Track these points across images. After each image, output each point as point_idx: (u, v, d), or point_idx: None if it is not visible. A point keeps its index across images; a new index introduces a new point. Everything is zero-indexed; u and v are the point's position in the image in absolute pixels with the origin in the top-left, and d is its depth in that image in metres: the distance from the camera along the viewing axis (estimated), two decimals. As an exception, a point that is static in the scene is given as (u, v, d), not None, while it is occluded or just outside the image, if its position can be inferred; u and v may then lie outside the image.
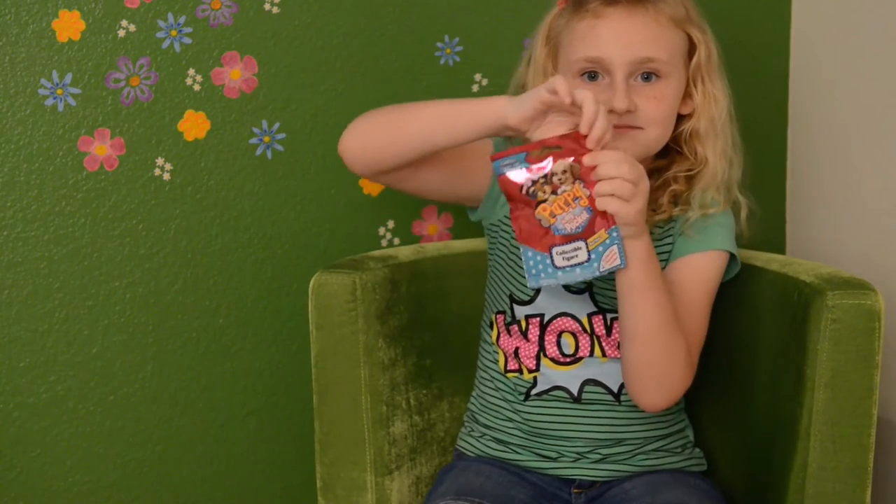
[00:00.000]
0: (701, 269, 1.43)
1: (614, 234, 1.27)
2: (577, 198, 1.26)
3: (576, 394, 1.48)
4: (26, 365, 1.70)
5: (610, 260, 1.27)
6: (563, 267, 1.27)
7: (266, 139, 1.73)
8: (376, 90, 1.75)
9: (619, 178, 1.25)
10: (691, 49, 1.45)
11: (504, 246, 1.52)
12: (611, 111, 1.37)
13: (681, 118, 1.46)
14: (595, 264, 1.27)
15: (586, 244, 1.27)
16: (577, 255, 1.27)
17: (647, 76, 1.41)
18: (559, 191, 1.26)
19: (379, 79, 1.75)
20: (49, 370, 1.71)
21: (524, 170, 1.26)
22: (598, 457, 1.48)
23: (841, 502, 1.36)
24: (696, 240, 1.44)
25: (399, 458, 1.56)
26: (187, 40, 1.69)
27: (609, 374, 1.48)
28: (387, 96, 1.75)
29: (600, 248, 1.27)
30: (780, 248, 1.90)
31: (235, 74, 1.71)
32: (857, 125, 1.71)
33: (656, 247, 1.39)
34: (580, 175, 1.25)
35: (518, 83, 1.51)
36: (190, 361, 1.75)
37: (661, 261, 1.40)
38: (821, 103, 1.80)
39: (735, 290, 1.51)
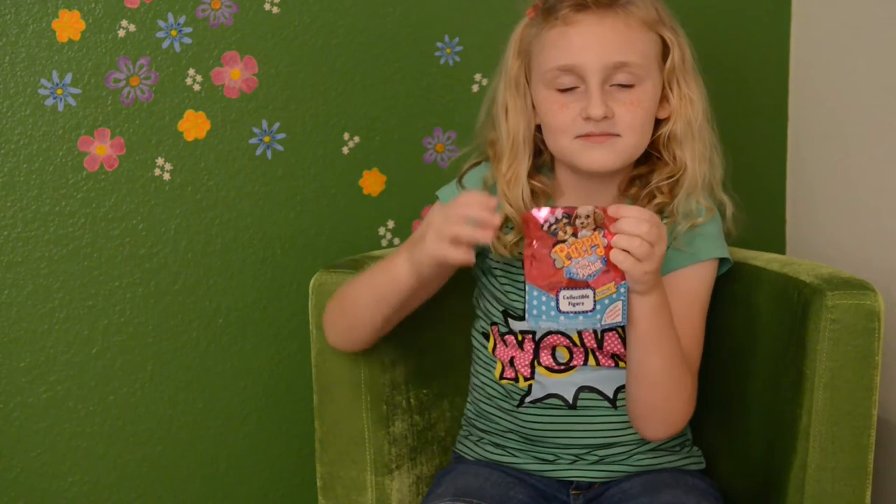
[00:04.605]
0: (693, 282, 1.42)
1: (621, 290, 1.26)
2: (594, 245, 1.25)
3: (571, 401, 1.48)
4: (26, 365, 1.70)
5: (612, 315, 1.27)
6: (567, 312, 1.26)
7: (266, 139, 1.73)
8: (376, 90, 1.75)
9: (637, 236, 1.24)
10: (665, 51, 1.42)
11: (491, 264, 1.51)
12: (587, 119, 1.37)
13: (658, 122, 1.44)
14: (598, 316, 1.27)
15: (594, 294, 1.26)
16: (583, 303, 1.27)
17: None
18: (579, 234, 1.25)
19: (379, 79, 1.75)
20: (49, 370, 1.70)
21: (548, 209, 1.25)
22: (595, 458, 1.48)
23: (840, 502, 1.36)
24: (686, 253, 1.42)
25: (399, 457, 1.56)
26: (187, 40, 1.69)
27: (603, 381, 1.47)
28: (387, 96, 1.75)
29: (606, 301, 1.26)
30: (780, 248, 1.90)
31: (235, 74, 1.71)
32: (856, 125, 1.71)
33: None
34: (602, 223, 1.25)
35: (491, 97, 1.49)
36: (190, 361, 1.75)
37: None
38: (821, 103, 1.80)
39: (735, 290, 1.51)
